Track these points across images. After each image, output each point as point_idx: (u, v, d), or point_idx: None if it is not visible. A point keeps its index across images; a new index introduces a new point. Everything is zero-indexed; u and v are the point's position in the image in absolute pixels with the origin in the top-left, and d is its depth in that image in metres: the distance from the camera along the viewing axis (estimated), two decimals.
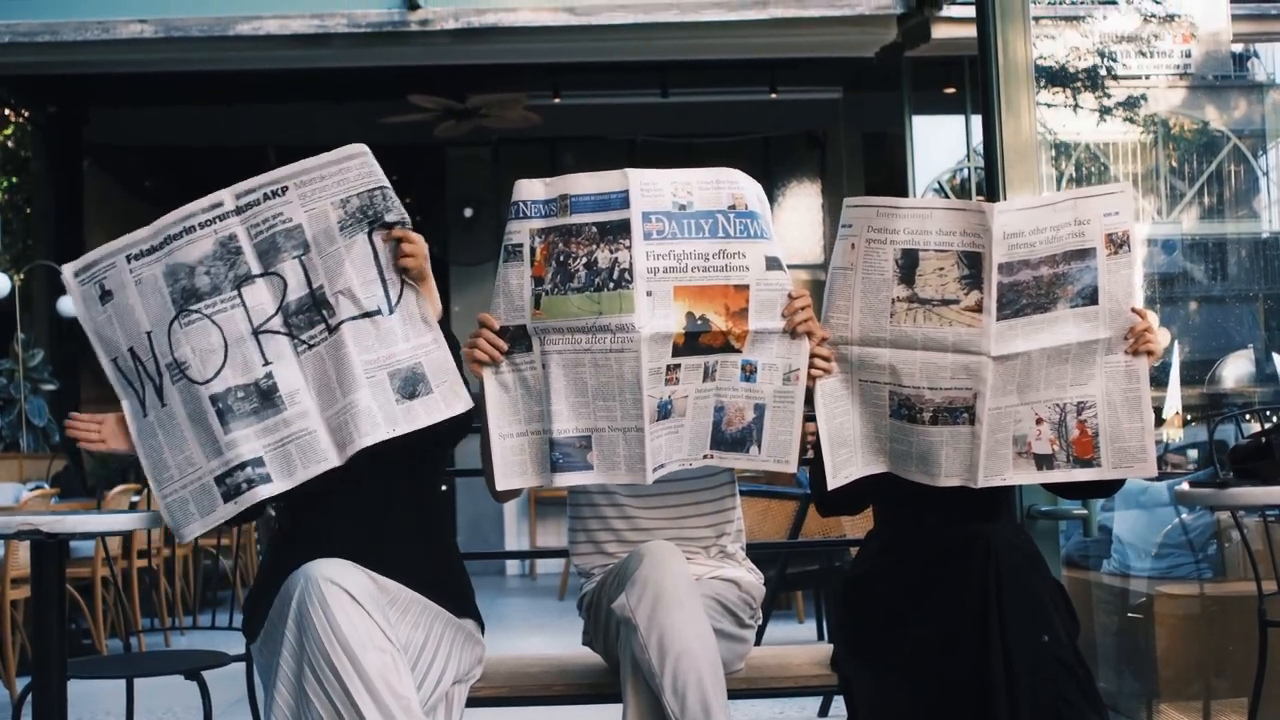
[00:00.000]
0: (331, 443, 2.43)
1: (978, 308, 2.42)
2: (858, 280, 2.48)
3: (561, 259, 2.43)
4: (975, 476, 2.49)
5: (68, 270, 2.51)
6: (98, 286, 2.48)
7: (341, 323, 2.43)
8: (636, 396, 2.43)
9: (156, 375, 2.47)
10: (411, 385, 2.44)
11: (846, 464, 2.56)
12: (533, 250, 2.45)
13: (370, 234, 2.43)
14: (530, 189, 2.46)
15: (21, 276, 9.33)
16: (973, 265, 2.41)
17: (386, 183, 2.44)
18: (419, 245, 2.45)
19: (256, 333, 2.43)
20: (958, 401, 2.46)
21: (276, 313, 2.43)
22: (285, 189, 2.42)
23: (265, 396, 2.43)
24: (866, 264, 2.46)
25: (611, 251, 2.41)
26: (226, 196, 2.43)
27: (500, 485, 2.51)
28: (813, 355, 2.52)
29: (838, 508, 2.80)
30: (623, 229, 2.40)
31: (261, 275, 2.43)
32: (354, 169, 2.42)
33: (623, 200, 2.40)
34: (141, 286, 2.45)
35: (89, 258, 2.49)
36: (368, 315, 2.44)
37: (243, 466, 2.44)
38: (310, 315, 2.44)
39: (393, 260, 2.44)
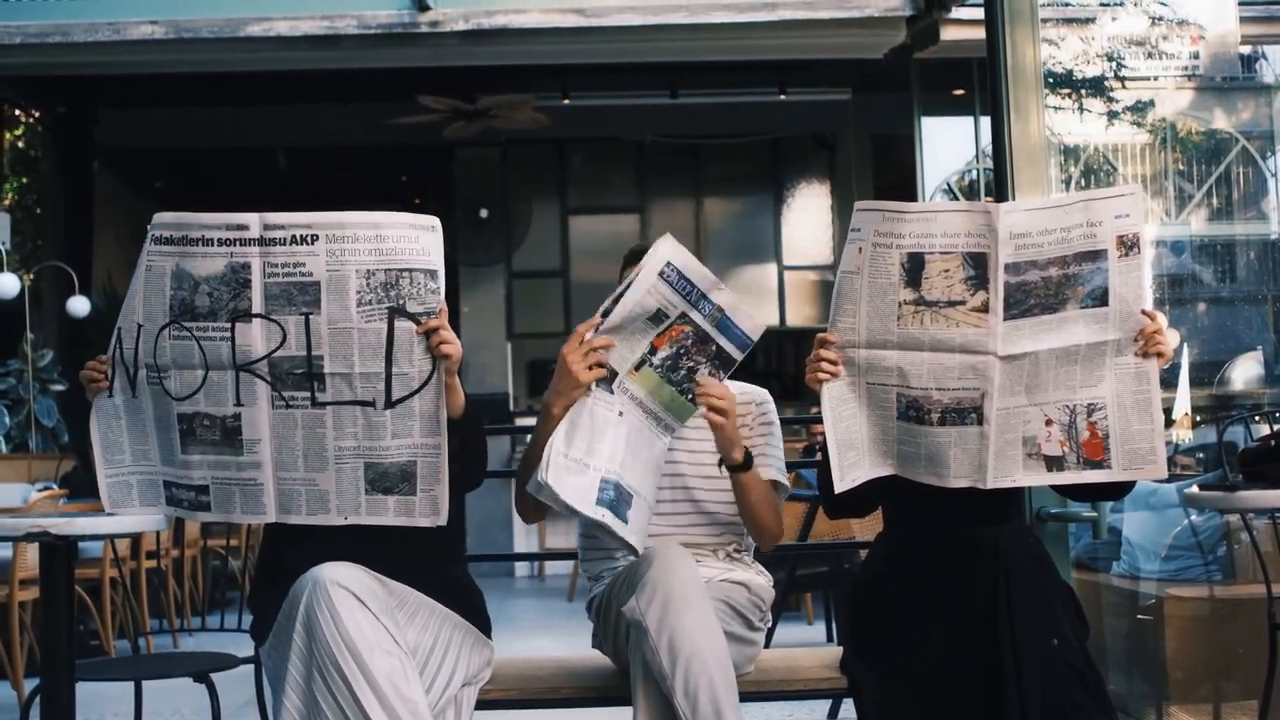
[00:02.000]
0: (275, 504, 2.38)
1: (984, 308, 2.41)
2: (864, 284, 2.48)
3: (679, 351, 2.58)
4: (984, 477, 2.48)
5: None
6: (144, 250, 2.36)
7: (328, 404, 2.31)
8: (656, 479, 2.66)
9: (133, 367, 2.39)
10: (390, 481, 2.34)
11: (854, 466, 2.55)
12: (670, 324, 2.56)
13: (393, 320, 2.28)
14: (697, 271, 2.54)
15: (31, 277, 9.36)
16: (978, 266, 2.40)
17: (433, 266, 2.27)
18: (453, 334, 2.32)
19: (238, 368, 2.31)
20: (965, 402, 2.45)
21: (263, 359, 2.30)
22: (315, 237, 2.26)
23: (227, 434, 2.35)
24: (873, 268, 2.46)
25: (708, 362, 2.58)
26: (253, 221, 2.27)
27: (528, 485, 2.59)
28: (819, 358, 2.51)
29: (845, 510, 2.79)
30: (727, 361, 2.60)
31: (261, 317, 2.29)
32: (391, 239, 2.25)
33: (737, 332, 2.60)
34: (150, 275, 2.34)
35: (156, 218, 2.33)
36: (359, 404, 2.32)
37: (189, 488, 2.42)
38: (299, 378, 2.31)
39: (424, 350, 2.29)
